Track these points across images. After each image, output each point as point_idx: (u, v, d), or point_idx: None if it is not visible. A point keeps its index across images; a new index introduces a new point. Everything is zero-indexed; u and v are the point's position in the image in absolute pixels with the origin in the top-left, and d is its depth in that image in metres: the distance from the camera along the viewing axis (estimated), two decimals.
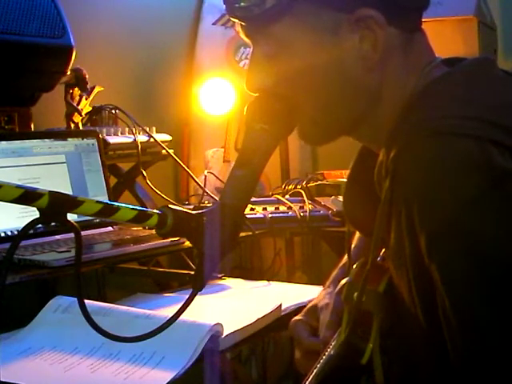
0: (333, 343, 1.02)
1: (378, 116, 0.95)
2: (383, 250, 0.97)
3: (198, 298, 0.90)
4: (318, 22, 0.91)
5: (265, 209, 1.99)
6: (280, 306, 1.40)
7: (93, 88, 1.98)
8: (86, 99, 1.97)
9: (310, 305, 1.22)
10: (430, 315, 0.82)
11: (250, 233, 1.81)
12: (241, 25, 0.96)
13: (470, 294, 0.78)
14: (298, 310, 1.41)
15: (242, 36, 0.97)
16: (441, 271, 0.79)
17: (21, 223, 1.53)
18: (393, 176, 0.84)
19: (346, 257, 1.23)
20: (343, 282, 1.02)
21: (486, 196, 0.78)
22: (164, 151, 2.07)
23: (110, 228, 1.75)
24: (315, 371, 1.01)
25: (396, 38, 0.93)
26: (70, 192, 1.67)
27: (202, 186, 2.18)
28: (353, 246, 1.19)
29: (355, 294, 0.93)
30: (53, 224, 0.81)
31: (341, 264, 1.24)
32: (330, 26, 0.91)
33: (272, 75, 0.95)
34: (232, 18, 0.96)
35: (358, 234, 1.23)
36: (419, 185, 0.80)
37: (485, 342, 0.78)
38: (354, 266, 0.98)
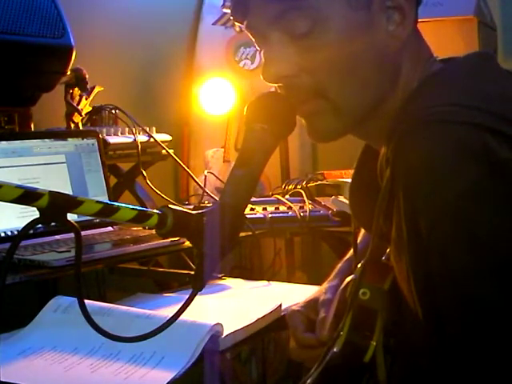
0: (335, 340, 1.02)
1: (390, 103, 0.94)
2: (388, 249, 0.97)
3: (198, 297, 0.90)
4: None
5: (265, 209, 1.99)
6: (280, 305, 1.40)
7: (93, 88, 1.98)
8: (86, 99, 1.97)
9: (310, 297, 1.22)
10: (427, 307, 0.82)
11: (250, 233, 1.81)
12: (260, 12, 0.92)
13: (469, 280, 0.79)
14: None
15: (260, 25, 0.94)
16: (440, 257, 0.79)
17: (21, 223, 1.53)
18: (393, 165, 0.84)
19: (351, 250, 1.23)
20: (348, 279, 1.02)
21: (483, 183, 0.78)
22: (164, 151, 2.07)
23: (110, 228, 1.75)
24: (317, 368, 1.01)
25: (413, 25, 0.93)
26: (70, 192, 1.67)
27: (202, 186, 2.18)
28: (358, 241, 1.19)
29: (360, 291, 0.93)
30: (53, 224, 0.81)
31: (346, 257, 1.24)
32: (365, 1, 0.90)
33: (298, 60, 0.92)
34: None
35: (363, 234, 1.23)
36: (418, 172, 0.80)
37: (482, 327, 0.78)
38: (359, 265, 0.98)
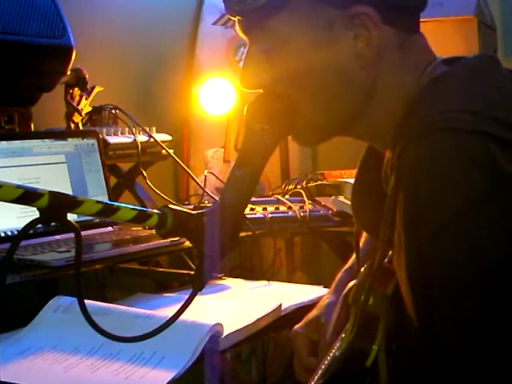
0: (338, 344, 1.02)
1: (373, 112, 0.95)
2: (390, 252, 0.96)
3: (198, 298, 0.90)
4: (314, 18, 0.91)
5: (265, 209, 1.99)
6: (280, 305, 1.40)
7: (93, 88, 1.98)
8: (86, 99, 1.97)
9: (312, 315, 1.22)
10: (423, 316, 0.82)
11: (250, 233, 1.81)
12: (238, 20, 0.96)
13: (468, 295, 0.78)
14: (298, 310, 1.41)
15: (239, 32, 0.97)
16: (440, 270, 0.79)
17: (21, 223, 1.53)
18: (397, 173, 0.84)
19: (351, 260, 1.23)
20: (351, 284, 1.01)
21: (486, 194, 0.78)
22: (164, 151, 2.07)
23: (109, 228, 1.75)
24: (320, 372, 1.01)
25: (391, 37, 0.93)
26: (70, 192, 1.67)
27: (202, 186, 2.18)
28: (360, 244, 1.18)
29: (363, 297, 0.93)
30: (53, 224, 0.81)
31: (345, 268, 1.24)
32: (325, 22, 0.91)
33: (269, 72, 0.95)
34: (229, 13, 0.96)
35: (364, 236, 1.22)
36: (421, 181, 0.80)
37: (478, 340, 0.78)
38: (362, 269, 0.97)
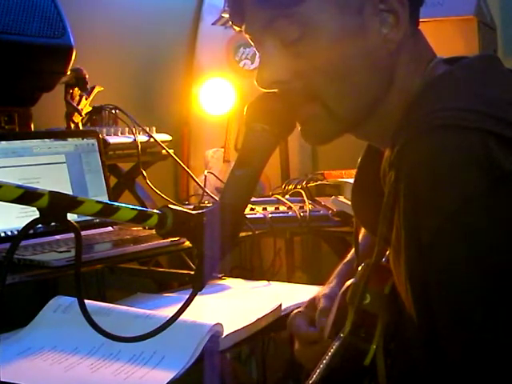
0: (336, 343, 1.02)
1: (386, 105, 0.94)
2: (388, 251, 0.96)
3: (198, 298, 0.90)
4: (345, 3, 0.90)
5: (265, 209, 1.99)
6: (280, 305, 1.40)
7: (93, 88, 1.99)
8: (86, 99, 1.97)
9: (309, 299, 1.22)
10: (422, 316, 0.82)
11: (250, 233, 1.81)
12: (253, 18, 0.93)
13: (468, 290, 0.78)
14: None
15: (251, 32, 0.94)
16: (439, 270, 0.79)
17: (21, 223, 1.53)
18: (397, 170, 0.84)
19: (351, 252, 1.23)
20: (348, 283, 1.01)
21: (485, 193, 0.78)
22: (164, 151, 2.07)
23: (109, 228, 1.75)
24: (318, 371, 1.01)
25: (408, 28, 0.93)
26: (70, 192, 1.67)
27: (202, 186, 2.18)
28: (360, 237, 1.18)
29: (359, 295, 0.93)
30: (53, 224, 0.81)
31: (345, 260, 1.24)
32: (356, 6, 0.90)
33: (291, 65, 0.92)
34: (252, 5, 0.92)
35: (363, 232, 1.22)
36: (421, 179, 0.80)
37: (478, 339, 0.78)
38: (360, 268, 0.97)
